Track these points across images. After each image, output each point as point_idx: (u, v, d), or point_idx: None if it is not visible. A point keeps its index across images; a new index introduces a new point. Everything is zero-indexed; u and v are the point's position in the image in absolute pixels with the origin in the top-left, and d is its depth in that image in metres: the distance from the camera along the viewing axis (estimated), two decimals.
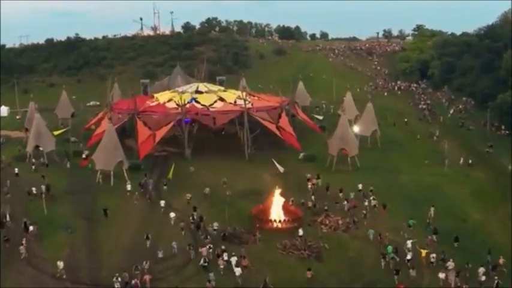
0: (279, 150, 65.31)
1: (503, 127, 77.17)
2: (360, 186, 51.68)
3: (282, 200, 44.07)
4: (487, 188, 54.84)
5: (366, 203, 47.64)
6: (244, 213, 45.40)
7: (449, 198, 51.34)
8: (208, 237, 40.16)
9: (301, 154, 64.97)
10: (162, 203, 46.62)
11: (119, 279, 33.79)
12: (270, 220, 42.68)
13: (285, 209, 44.08)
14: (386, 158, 65.26)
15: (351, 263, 37.62)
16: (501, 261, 37.18)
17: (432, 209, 46.54)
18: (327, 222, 43.52)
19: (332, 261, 37.55)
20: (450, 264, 35.88)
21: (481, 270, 35.14)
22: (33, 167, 58.93)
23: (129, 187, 51.11)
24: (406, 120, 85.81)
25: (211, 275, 34.12)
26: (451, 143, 67.41)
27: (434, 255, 37.49)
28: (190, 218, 44.24)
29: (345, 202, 47.61)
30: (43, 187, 49.26)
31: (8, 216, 43.24)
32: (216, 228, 41.96)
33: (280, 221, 42.34)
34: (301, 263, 36.94)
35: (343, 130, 61.11)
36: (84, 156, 63.13)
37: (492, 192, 53.14)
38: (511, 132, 73.11)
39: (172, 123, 64.71)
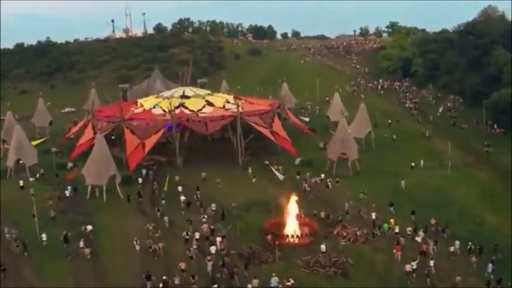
0: (272, 156, 63.04)
1: (495, 126, 75.92)
2: (322, 175, 56.14)
3: (296, 212, 41.41)
4: (495, 189, 53.04)
5: (313, 180, 54.80)
6: (253, 227, 42.68)
7: (459, 202, 49.67)
8: (206, 216, 44.45)
9: (298, 159, 62.59)
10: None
11: (139, 242, 38.82)
12: (286, 235, 39.91)
13: (300, 222, 41.40)
14: (384, 160, 63.20)
15: (380, 278, 35.13)
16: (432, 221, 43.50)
17: (403, 182, 53.17)
18: (344, 234, 40.88)
19: (360, 278, 34.94)
20: (421, 233, 40.76)
21: (457, 243, 39.23)
22: (31, 179, 55.57)
23: (140, 180, 54.73)
24: (395, 120, 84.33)
25: (193, 248, 38.24)
26: (447, 142, 66.00)
27: (410, 228, 41.91)
28: (194, 196, 49.65)
29: (304, 182, 53.38)
30: (68, 190, 50.81)
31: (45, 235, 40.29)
32: (214, 209, 46.58)
33: (297, 236, 39.61)
34: (329, 282, 34.37)
35: (343, 134, 58.81)
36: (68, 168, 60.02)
37: (501, 194, 51.21)
38: (507, 130, 71.77)
39: (162, 131, 61.43)
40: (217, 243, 39.10)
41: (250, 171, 57.48)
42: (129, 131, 61.36)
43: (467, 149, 68.28)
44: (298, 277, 34.55)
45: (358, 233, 41.15)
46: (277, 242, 37.85)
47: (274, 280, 33.11)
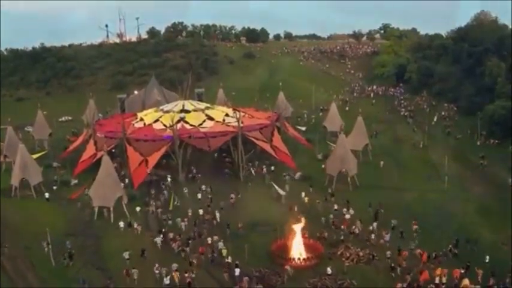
0: (271, 169, 64.72)
1: (485, 137, 77.39)
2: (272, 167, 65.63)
3: (301, 235, 42.54)
4: (491, 204, 53.96)
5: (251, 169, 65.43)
6: (259, 248, 43.40)
7: (456, 218, 50.30)
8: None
9: (298, 174, 63.54)
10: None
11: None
12: (293, 258, 41.01)
13: (305, 244, 42.52)
14: (382, 173, 64.36)
15: None
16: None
17: (382, 162, 65.94)
18: (348, 254, 41.98)
19: None
20: (351, 211, 50.92)
21: (375, 224, 47.79)
22: None
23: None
24: (391, 129, 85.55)
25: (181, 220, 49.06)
26: (442, 153, 67.07)
27: (345, 209, 51.64)
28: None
29: (252, 168, 64.95)
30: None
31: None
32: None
33: (304, 259, 40.76)
34: None
35: (343, 150, 59.72)
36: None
37: (497, 209, 52.25)
38: (501, 142, 73.19)
39: (165, 148, 62.10)
40: (217, 216, 50.43)
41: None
42: (132, 147, 61.94)
43: (462, 160, 68.78)
44: None
45: (361, 253, 42.16)
46: (286, 267, 38.98)
47: None
